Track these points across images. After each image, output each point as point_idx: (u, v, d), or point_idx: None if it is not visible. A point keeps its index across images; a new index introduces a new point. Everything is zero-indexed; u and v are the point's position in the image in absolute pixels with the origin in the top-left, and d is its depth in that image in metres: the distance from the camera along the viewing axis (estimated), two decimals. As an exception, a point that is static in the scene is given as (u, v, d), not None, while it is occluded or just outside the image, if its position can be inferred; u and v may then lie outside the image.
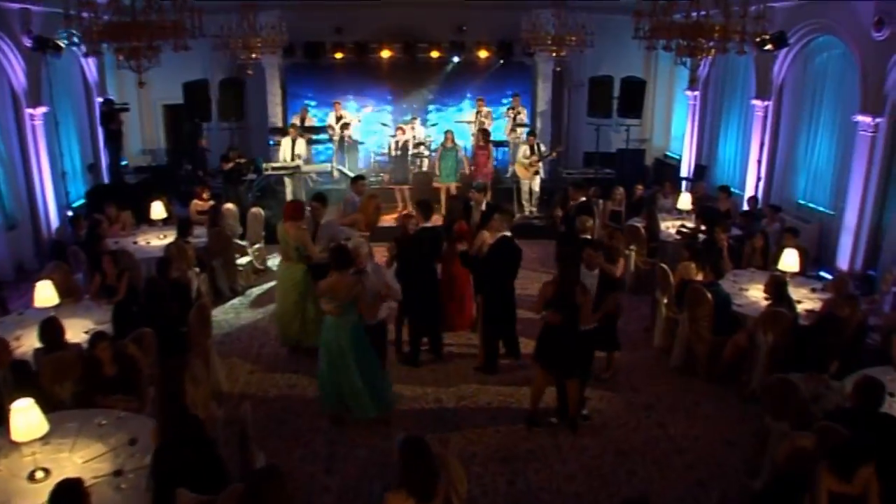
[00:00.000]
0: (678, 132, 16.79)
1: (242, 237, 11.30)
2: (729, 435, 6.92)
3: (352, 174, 12.93)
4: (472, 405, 7.42)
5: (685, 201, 11.31)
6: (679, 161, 16.24)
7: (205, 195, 11.42)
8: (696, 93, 15.06)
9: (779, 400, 5.88)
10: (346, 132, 14.59)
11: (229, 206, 11.37)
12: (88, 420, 5.67)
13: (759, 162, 12.79)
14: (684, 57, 8.13)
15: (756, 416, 7.13)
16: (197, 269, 9.52)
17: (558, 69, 15.12)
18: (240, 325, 9.44)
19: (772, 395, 5.96)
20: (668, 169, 16.59)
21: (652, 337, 8.88)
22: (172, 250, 9.29)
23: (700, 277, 8.38)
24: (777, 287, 7.46)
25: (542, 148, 13.20)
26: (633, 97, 13.91)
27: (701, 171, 14.98)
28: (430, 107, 16.27)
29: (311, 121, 15.17)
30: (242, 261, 10.62)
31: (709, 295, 7.70)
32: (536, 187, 13.45)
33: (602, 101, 14.13)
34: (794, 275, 8.49)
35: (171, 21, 7.59)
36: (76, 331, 7.18)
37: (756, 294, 8.33)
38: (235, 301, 10.22)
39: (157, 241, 10.16)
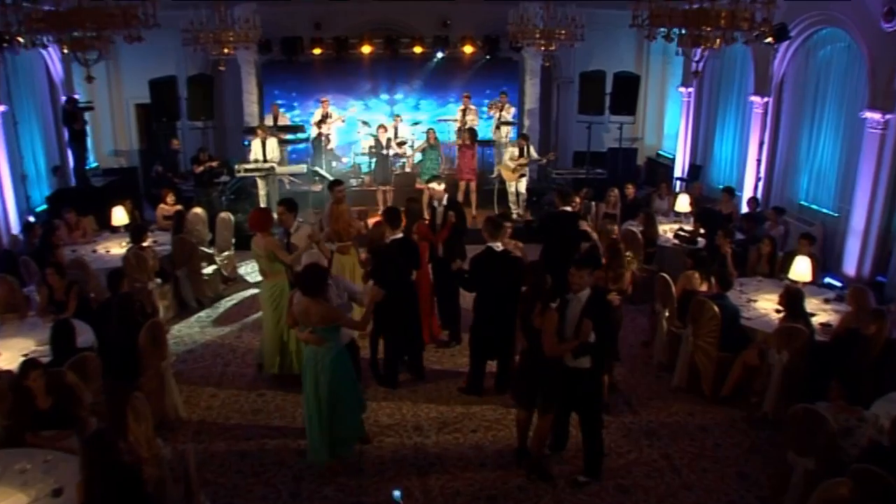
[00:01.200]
0: (671, 130, 16.04)
1: (212, 243, 10.45)
2: (741, 467, 6.15)
3: (330, 176, 12.07)
4: (455, 433, 6.60)
5: (683, 203, 10.56)
6: (672, 160, 15.48)
7: (169, 199, 10.56)
8: (691, 89, 14.31)
9: (804, 434, 5.12)
10: (329, 131, 13.64)
11: (197, 210, 10.52)
12: (10, 464, 4.86)
13: (759, 161, 12.05)
14: (686, 47, 7.34)
15: (769, 443, 6.44)
16: (158, 281, 8.68)
17: (547, 64, 14.30)
18: (204, 341, 8.58)
19: (796, 427, 5.19)
20: (660, 169, 15.82)
21: (652, 352, 8.11)
22: (130, 259, 8.47)
23: (704, 288, 7.66)
24: (793, 300, 6.70)
25: (533, 152, 12.37)
26: (627, 93, 13.12)
27: (696, 170, 14.24)
28: (413, 104, 15.40)
29: (285, 119, 14.23)
30: (209, 269, 9.76)
31: (716, 308, 6.94)
32: (523, 189, 12.64)
33: (594, 97, 13.33)
34: (804, 284, 7.74)
35: (119, 8, 6.68)
36: (15, 353, 6.39)
37: (766, 305, 7.59)
38: (202, 314, 9.36)
39: (119, 249, 9.33)
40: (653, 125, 16.70)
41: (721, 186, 13.10)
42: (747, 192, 12.37)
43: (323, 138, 13.64)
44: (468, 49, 14.38)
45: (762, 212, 10.74)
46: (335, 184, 8.57)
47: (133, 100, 15.46)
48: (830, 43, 10.85)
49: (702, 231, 9.47)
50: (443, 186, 8.44)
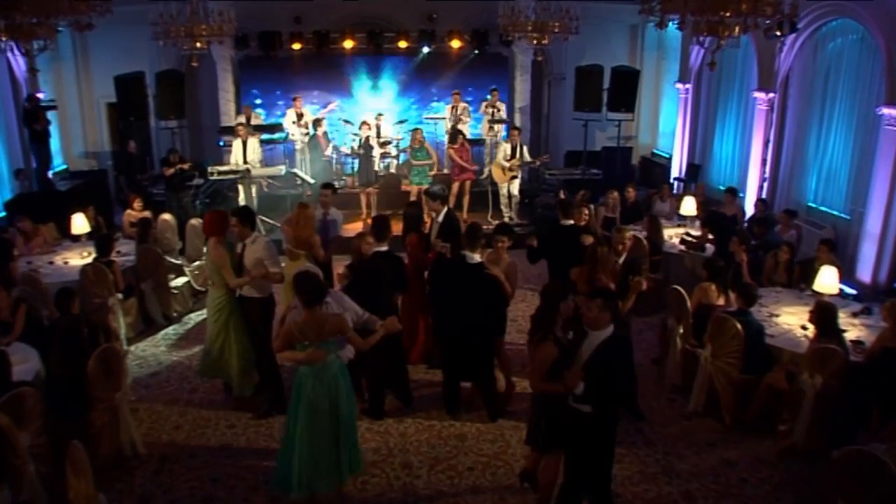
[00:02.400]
0: (666, 128, 15.30)
1: (182, 252, 9.57)
2: (776, 510, 5.38)
3: (311, 179, 11.20)
4: (449, 472, 5.76)
5: (689, 206, 9.78)
6: (668, 160, 14.74)
7: (136, 204, 9.67)
8: (688, 85, 13.56)
9: (859, 480, 4.33)
10: (320, 129, 12.71)
11: (165, 217, 9.62)
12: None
13: (765, 161, 11.30)
14: (702, 36, 6.56)
15: (802, 479, 5.68)
16: (119, 296, 7.79)
17: (540, 59, 13.45)
18: (170, 362, 7.69)
19: (848, 472, 4.41)
20: (656, 168, 15.10)
21: (663, 372, 7.31)
22: (88, 273, 7.58)
23: (721, 302, 6.88)
24: (826, 317, 5.92)
25: (525, 153, 11.54)
26: (625, 89, 12.31)
27: (695, 170, 13.49)
28: (397, 101, 14.53)
29: (258, 119, 13.31)
30: (178, 282, 8.87)
31: (738, 326, 6.16)
32: (515, 191, 11.82)
33: (591, 93, 12.49)
34: (829, 297, 6.99)
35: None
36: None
37: (789, 320, 6.83)
38: (169, 330, 8.47)
39: (79, 259, 8.44)
40: (647, 123, 15.97)
41: (722, 187, 12.39)
42: (750, 194, 11.66)
43: (303, 140, 12.80)
44: (455, 44, 13.56)
45: (769, 214, 10.00)
46: (325, 187, 7.93)
47: (104, 98, 14.46)
48: (841, 35, 10.13)
49: (710, 236, 8.69)
50: (440, 201, 7.46)
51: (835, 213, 10.35)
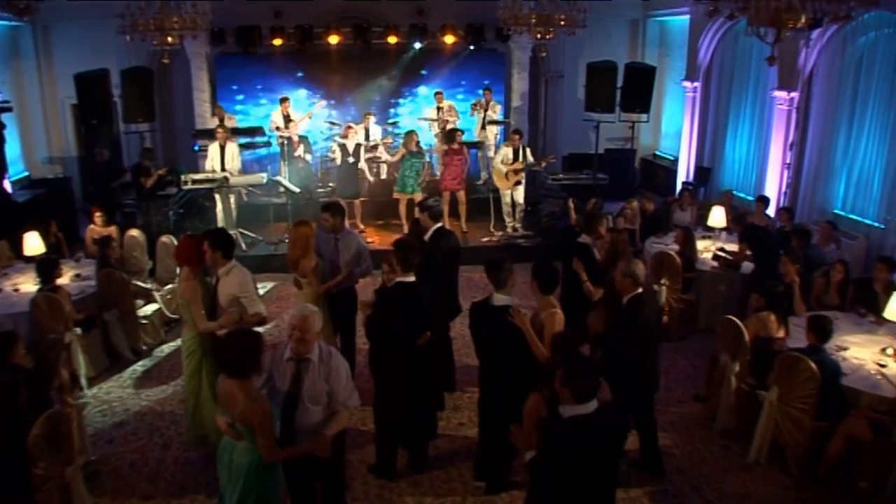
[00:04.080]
0: (669, 129, 14.33)
1: (153, 273, 8.37)
2: None
3: (296, 188, 10.01)
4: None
5: (718, 217, 8.77)
6: (673, 162, 13.77)
7: (97, 218, 8.45)
8: (696, 84, 12.57)
9: None
10: (293, 127, 11.51)
11: (133, 233, 8.41)
12: None
13: (789, 165, 10.33)
14: (763, 28, 5.52)
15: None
16: (78, 330, 6.59)
17: (544, 54, 12.32)
18: (138, 407, 6.49)
19: None
20: (659, 171, 14.13)
21: (709, 412, 6.27)
22: (40, 305, 6.38)
23: (782, 334, 5.88)
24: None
25: (529, 154, 10.42)
26: (640, 88, 11.24)
27: (704, 174, 12.51)
28: (388, 101, 13.38)
29: (232, 120, 12.01)
30: (148, 309, 7.64)
31: (813, 366, 5.15)
32: (520, 198, 10.68)
33: (603, 92, 11.38)
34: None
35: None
36: None
37: (859, 354, 5.85)
38: (137, 367, 7.26)
39: (33, 285, 7.18)
40: (649, 123, 14.93)
41: (734, 192, 11.49)
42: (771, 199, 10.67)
43: (285, 143, 11.62)
44: (449, 39, 12.45)
45: (800, 225, 9.05)
46: (327, 208, 6.34)
47: (69, 99, 13.13)
48: (875, 28, 9.17)
49: (748, 253, 7.69)
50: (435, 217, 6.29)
51: (867, 221, 9.40)
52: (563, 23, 10.37)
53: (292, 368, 4.06)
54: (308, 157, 11.35)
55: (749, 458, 5.67)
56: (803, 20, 5.45)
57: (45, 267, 6.59)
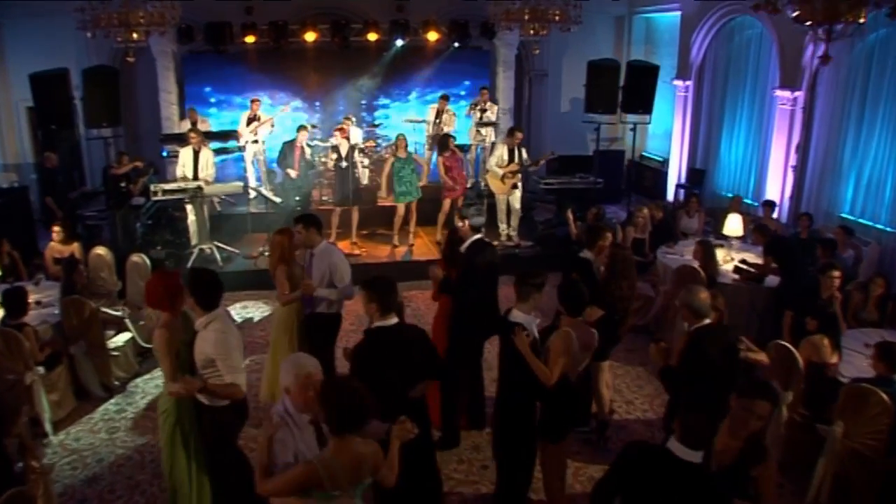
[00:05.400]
0: (657, 129, 13.76)
1: (122, 294, 7.45)
2: None
3: (276, 197, 9.15)
4: None
5: (734, 225, 8.18)
6: (661, 164, 13.22)
7: (57, 234, 7.51)
8: (688, 83, 12.02)
9: None
10: (257, 137, 10.71)
11: (100, 251, 7.47)
12: None
13: (794, 167, 9.82)
14: (816, 25, 4.91)
15: None
16: (41, 370, 5.68)
17: (537, 52, 11.55)
18: (113, 456, 5.58)
19: None
20: (647, 173, 13.58)
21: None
22: (-4, 343, 5.46)
23: (836, 360, 5.29)
24: None
25: (525, 155, 9.69)
26: (642, 87, 10.60)
27: (698, 176, 11.97)
28: (369, 103, 12.55)
29: (205, 123, 11.08)
30: (119, 339, 6.71)
31: (886, 399, 4.56)
32: (517, 204, 9.95)
33: (605, 92, 10.70)
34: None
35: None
36: None
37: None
38: (110, 405, 6.35)
39: (-15, 315, 6.23)
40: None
41: (730, 195, 11.00)
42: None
43: (248, 146, 10.75)
44: (432, 36, 11.66)
45: (818, 232, 8.54)
46: (294, 221, 5.70)
47: (24, 102, 11.98)
48: (886, 24, 8.64)
49: (773, 265, 7.09)
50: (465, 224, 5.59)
51: (878, 226, 8.94)
52: (557, 19, 9.72)
53: (314, 433, 3.33)
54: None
55: (808, 498, 5.05)
56: (863, 14, 4.84)
57: (12, 299, 5.66)
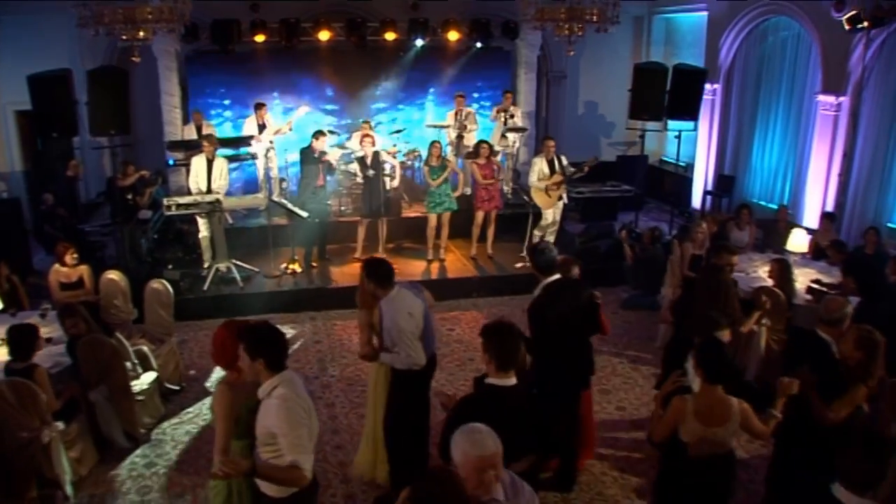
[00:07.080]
0: (673, 132, 13.11)
1: (139, 320, 6.57)
2: None
3: (303, 212, 8.26)
4: None
5: (799, 241, 7.51)
6: (685, 169, 12.56)
7: (69, 257, 6.62)
8: (716, 86, 11.34)
9: None
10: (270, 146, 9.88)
11: (112, 276, 6.56)
12: None
13: (840, 175, 9.21)
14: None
15: None
16: (60, 425, 4.81)
17: (571, 53, 10.46)
18: (147, 524, 4.77)
19: None
20: (667, 178, 12.92)
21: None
22: (5, 394, 4.58)
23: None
24: None
25: (565, 162, 8.89)
26: (688, 93, 9.87)
27: (727, 183, 11.32)
28: (389, 107, 11.66)
29: (210, 128, 10.12)
30: (144, 381, 5.81)
31: None
32: (558, 216, 9.01)
33: (651, 97, 9.93)
34: None
35: None
36: None
37: None
38: (136, 457, 5.45)
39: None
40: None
41: (763, 202, 10.44)
42: (810, 214, 9.54)
43: (259, 157, 9.90)
44: (453, 36, 10.85)
45: (883, 248, 7.91)
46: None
47: (14, 105, 10.98)
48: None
49: (852, 286, 6.43)
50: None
51: (933, 238, 8.40)
52: (595, 19, 8.98)
53: None
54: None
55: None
56: None
57: (21, 337, 4.77)
